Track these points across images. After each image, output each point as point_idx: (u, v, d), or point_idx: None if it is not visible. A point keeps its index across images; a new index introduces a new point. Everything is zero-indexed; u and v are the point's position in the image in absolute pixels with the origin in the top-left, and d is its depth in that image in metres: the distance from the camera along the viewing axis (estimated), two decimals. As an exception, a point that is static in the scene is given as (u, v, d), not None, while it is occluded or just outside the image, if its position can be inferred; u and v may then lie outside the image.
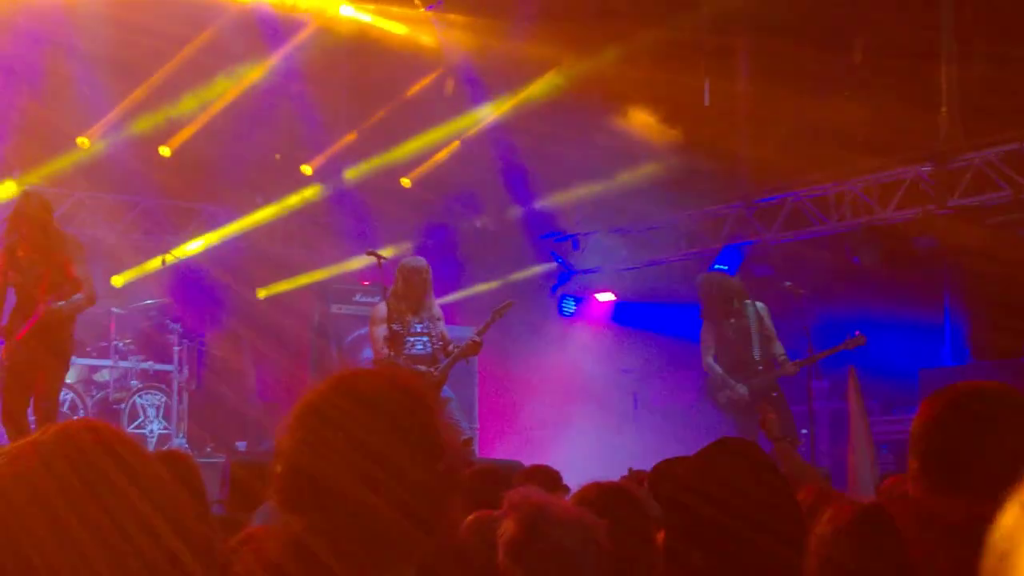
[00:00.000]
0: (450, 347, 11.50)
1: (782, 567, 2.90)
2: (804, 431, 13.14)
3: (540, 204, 15.92)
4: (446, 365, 11.34)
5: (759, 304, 12.45)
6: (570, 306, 15.14)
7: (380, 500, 2.27)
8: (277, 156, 16.46)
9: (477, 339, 11.44)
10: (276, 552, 2.32)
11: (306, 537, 2.28)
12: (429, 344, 11.43)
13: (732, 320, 12.39)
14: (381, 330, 11.22)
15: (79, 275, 10.23)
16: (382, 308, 11.35)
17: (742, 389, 12.08)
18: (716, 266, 14.40)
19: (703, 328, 12.61)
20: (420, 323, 11.45)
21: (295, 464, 2.35)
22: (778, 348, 12.32)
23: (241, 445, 14.69)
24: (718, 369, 12.30)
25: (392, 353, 11.10)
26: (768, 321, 12.41)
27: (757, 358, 12.32)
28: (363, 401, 2.36)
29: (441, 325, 11.62)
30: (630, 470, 7.23)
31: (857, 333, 11.78)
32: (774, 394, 12.07)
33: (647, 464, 10.52)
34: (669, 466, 4.93)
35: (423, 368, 11.15)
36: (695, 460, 3.16)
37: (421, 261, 11.71)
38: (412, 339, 11.36)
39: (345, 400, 2.37)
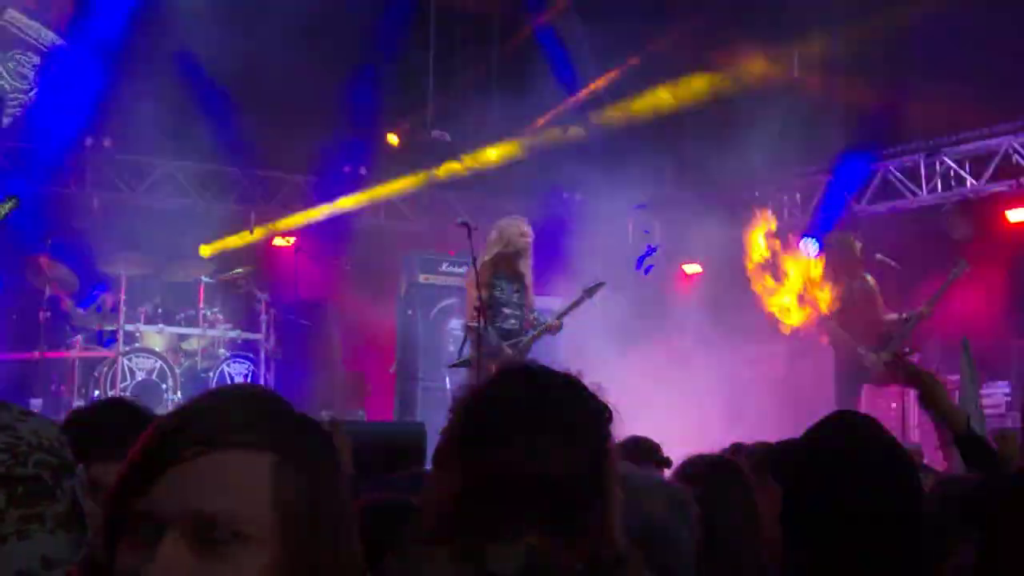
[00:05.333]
0: (532, 317, 11.44)
1: (901, 541, 2.91)
2: (894, 404, 13.09)
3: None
4: (526, 343, 11.28)
5: (870, 277, 12.14)
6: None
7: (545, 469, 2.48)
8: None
9: (557, 322, 11.39)
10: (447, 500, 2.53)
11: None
12: (520, 320, 11.37)
13: (857, 282, 12.05)
14: (476, 295, 10.99)
15: None
16: (481, 270, 11.04)
17: (885, 356, 11.69)
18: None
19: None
20: (516, 292, 11.38)
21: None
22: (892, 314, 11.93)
23: (326, 414, 14.85)
24: (844, 334, 11.93)
25: (482, 323, 10.90)
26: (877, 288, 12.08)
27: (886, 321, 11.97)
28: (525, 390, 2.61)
29: (531, 293, 11.56)
30: (732, 444, 7.18)
31: (960, 260, 11.49)
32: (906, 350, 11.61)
33: (735, 436, 10.44)
34: (786, 443, 4.78)
35: (508, 346, 11.16)
36: (812, 433, 3.13)
37: (524, 221, 11.61)
38: (507, 311, 11.30)
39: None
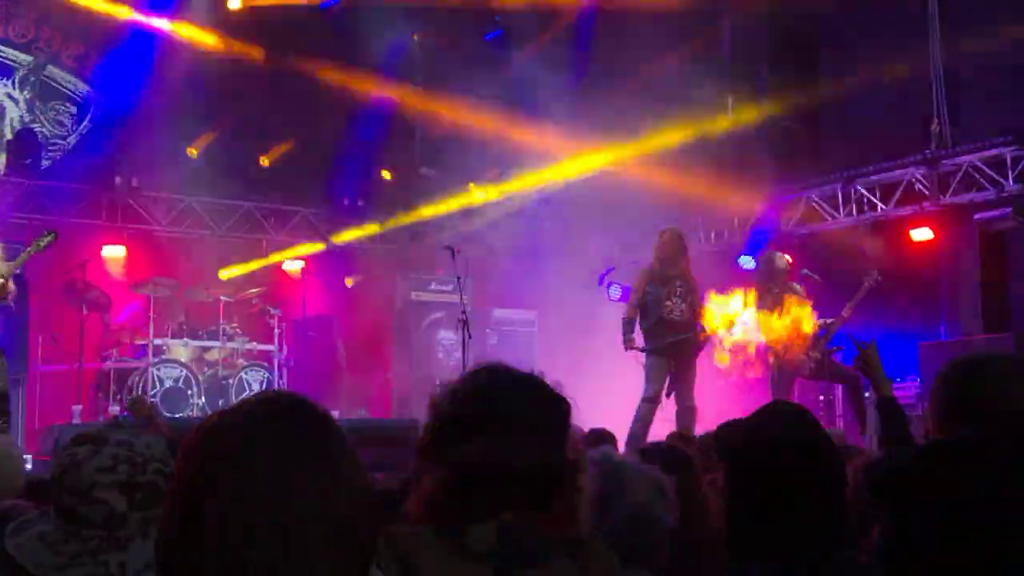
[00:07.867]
0: (679, 308, 12.23)
1: (828, 503, 3.19)
2: (821, 396, 14.42)
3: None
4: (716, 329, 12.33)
5: (798, 285, 13.13)
6: (616, 292, 15.24)
7: (521, 453, 2.59)
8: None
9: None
10: (432, 489, 2.63)
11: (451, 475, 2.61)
12: (687, 312, 12.25)
13: (785, 292, 12.90)
14: (639, 290, 12.25)
15: None
16: (646, 270, 12.31)
17: (815, 355, 12.72)
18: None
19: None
20: (680, 287, 12.30)
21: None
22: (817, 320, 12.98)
23: (334, 413, 15.83)
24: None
25: (641, 314, 12.15)
26: None
27: None
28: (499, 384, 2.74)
29: (698, 293, 12.53)
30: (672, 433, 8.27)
31: (871, 271, 12.91)
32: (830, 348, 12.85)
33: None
34: (730, 426, 5.57)
35: (681, 333, 12.11)
36: (753, 419, 3.41)
37: (671, 228, 12.66)
38: (671, 304, 12.19)
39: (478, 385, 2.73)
